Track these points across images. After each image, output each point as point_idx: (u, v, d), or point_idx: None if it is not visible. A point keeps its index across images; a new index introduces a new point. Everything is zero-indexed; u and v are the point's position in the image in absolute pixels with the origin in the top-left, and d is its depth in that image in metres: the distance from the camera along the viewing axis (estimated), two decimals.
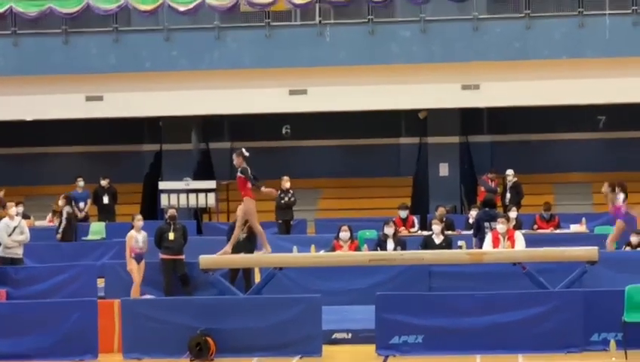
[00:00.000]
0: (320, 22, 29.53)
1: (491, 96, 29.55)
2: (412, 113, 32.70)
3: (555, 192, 31.84)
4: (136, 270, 20.79)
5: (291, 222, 27.67)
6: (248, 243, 20.93)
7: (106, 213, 29.54)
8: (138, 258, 20.86)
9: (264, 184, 18.64)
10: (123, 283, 20.84)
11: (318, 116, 31.73)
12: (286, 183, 27.47)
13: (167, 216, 22.04)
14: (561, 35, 28.90)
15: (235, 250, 20.62)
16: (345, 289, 20.19)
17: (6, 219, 22.05)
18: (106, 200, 29.64)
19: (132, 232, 21.19)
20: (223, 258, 19.75)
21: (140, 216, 21.89)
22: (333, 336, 17.57)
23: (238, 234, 18.95)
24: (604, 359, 15.80)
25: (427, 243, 21.57)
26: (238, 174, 18.00)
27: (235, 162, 18.05)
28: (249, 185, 17.97)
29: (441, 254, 20.10)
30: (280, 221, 27.29)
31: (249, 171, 17.95)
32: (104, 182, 29.70)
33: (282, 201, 27.11)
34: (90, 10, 29.60)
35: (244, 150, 18.17)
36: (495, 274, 19.40)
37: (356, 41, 29.35)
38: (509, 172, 28.49)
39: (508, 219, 21.28)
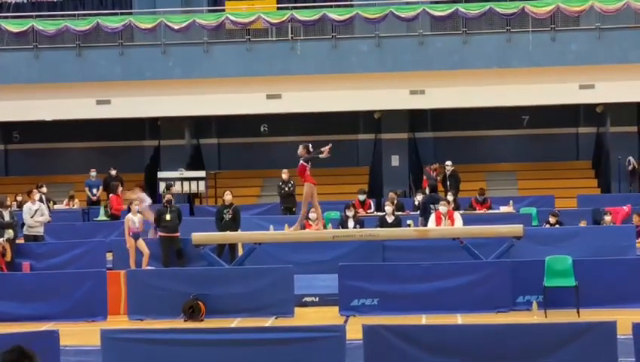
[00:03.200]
0: (292, 38, 29.45)
1: (434, 100, 29.56)
2: (368, 114, 32.69)
3: (487, 179, 31.90)
4: (133, 246, 20.68)
5: (294, 209, 25.72)
6: (233, 223, 20.89)
7: None
8: (135, 236, 20.75)
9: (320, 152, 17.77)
10: (128, 256, 20.74)
11: (290, 116, 31.66)
12: (284, 175, 26.24)
13: (164, 201, 21.94)
14: (492, 49, 28.94)
15: (222, 228, 20.58)
16: (313, 261, 20.14)
17: (29, 203, 21.92)
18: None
19: (129, 215, 21.10)
20: (212, 235, 19.73)
21: (136, 202, 21.79)
22: (304, 300, 17.57)
23: (306, 212, 18.43)
24: (527, 317, 15.85)
25: (382, 222, 21.57)
26: (301, 162, 17.45)
27: (299, 152, 17.50)
28: (308, 172, 17.42)
29: (393, 231, 20.13)
30: (282, 207, 26.27)
31: (310, 157, 17.42)
32: (113, 172, 29.56)
33: (283, 191, 26.21)
34: (99, 29, 29.43)
35: (310, 145, 17.69)
36: (438, 248, 19.41)
37: (322, 54, 29.30)
38: (448, 163, 28.52)
39: (449, 202, 21.32)
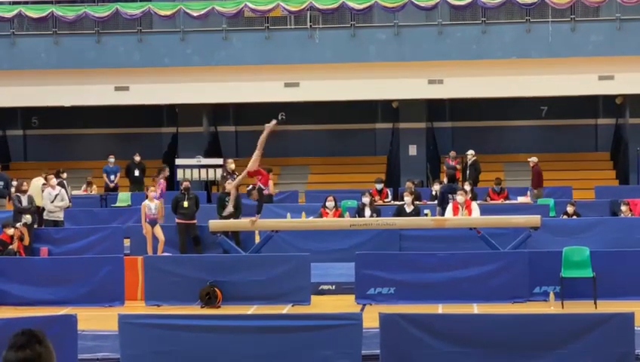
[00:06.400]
0: (310, 26, 29.43)
1: (453, 90, 29.52)
2: (386, 103, 32.66)
3: (505, 170, 31.83)
4: (150, 233, 20.77)
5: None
6: (235, 211, 20.86)
7: (136, 184, 29.39)
8: (152, 222, 20.84)
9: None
10: (145, 242, 20.82)
11: (308, 105, 31.66)
12: (231, 165, 25.14)
13: (182, 188, 22.02)
14: (511, 39, 28.85)
15: (225, 216, 20.57)
16: (330, 249, 20.19)
17: (49, 189, 22.02)
18: (137, 173, 29.55)
19: (146, 202, 21.19)
20: (229, 222, 19.75)
21: (152, 188, 21.88)
22: (320, 288, 17.58)
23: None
24: (544, 308, 15.82)
25: (400, 212, 21.57)
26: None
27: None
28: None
29: (410, 220, 20.12)
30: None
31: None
32: (137, 158, 29.61)
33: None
34: (118, 15, 29.50)
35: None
36: (455, 237, 19.43)
37: (340, 43, 29.27)
38: (470, 152, 28.42)
39: (466, 192, 21.28)
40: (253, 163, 17.63)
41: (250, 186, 19.64)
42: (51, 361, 4.76)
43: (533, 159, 27.47)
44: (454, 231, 19.48)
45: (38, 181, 23.04)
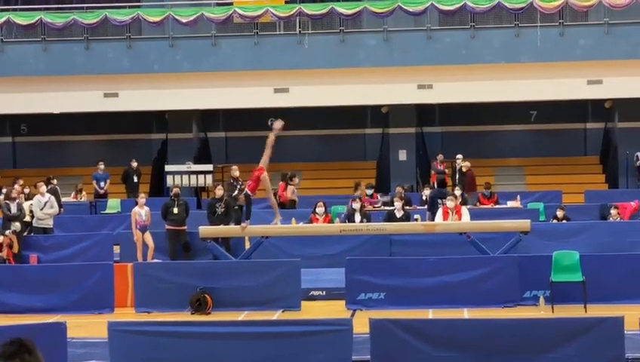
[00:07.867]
0: (300, 32, 29.43)
1: (442, 94, 29.52)
2: (376, 108, 32.67)
3: (495, 174, 31.85)
4: (140, 239, 20.75)
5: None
6: (226, 217, 20.89)
7: (134, 190, 29.28)
8: (142, 229, 20.81)
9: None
10: (135, 249, 20.77)
11: (298, 110, 31.61)
12: (235, 172, 24.12)
13: (172, 194, 21.97)
14: (500, 43, 28.88)
15: (214, 222, 20.58)
16: (320, 255, 20.15)
17: (38, 196, 21.96)
18: (135, 179, 29.48)
19: (136, 208, 21.18)
20: (219, 228, 19.72)
21: (143, 195, 21.87)
22: (310, 293, 17.56)
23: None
24: (534, 312, 15.84)
25: (390, 217, 21.56)
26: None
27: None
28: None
29: (400, 225, 20.13)
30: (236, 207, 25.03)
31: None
32: (134, 164, 29.52)
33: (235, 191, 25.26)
34: (107, 21, 29.46)
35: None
36: (445, 242, 19.41)
37: (330, 48, 29.27)
38: (459, 156, 28.42)
39: (456, 197, 21.30)
40: (264, 162, 17.87)
41: (237, 191, 19.61)
42: None
43: (467, 164, 27.52)
44: (444, 236, 19.46)
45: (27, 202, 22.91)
